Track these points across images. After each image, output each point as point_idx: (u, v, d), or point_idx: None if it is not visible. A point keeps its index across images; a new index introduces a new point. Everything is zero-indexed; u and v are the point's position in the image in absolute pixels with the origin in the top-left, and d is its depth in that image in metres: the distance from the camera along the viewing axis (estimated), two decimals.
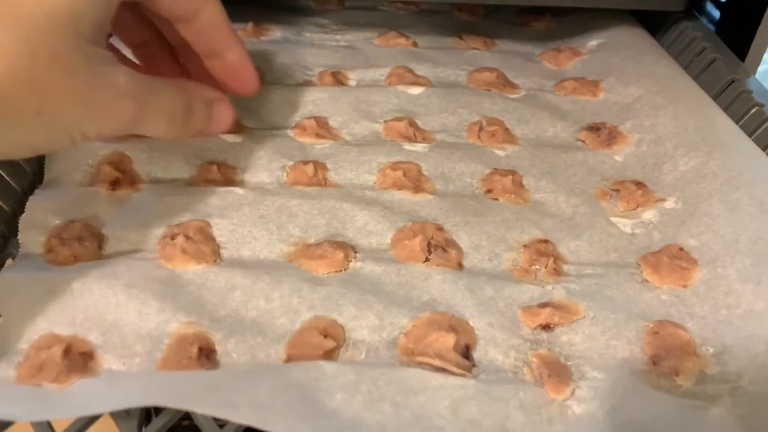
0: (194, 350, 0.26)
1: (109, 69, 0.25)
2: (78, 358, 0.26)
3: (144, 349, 0.26)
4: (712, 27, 0.50)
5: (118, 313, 0.27)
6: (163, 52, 0.34)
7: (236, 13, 0.50)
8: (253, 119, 0.39)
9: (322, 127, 0.38)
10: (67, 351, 0.25)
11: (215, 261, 0.30)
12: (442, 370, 0.26)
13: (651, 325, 0.29)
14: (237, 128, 0.38)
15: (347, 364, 0.25)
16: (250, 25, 0.48)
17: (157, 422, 0.25)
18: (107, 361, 0.26)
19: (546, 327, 0.28)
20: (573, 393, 0.26)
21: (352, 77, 0.44)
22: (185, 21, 0.30)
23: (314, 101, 0.40)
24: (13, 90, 0.22)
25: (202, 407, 0.22)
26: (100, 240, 0.31)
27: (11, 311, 0.27)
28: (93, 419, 0.25)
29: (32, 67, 0.22)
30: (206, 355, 0.26)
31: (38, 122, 0.24)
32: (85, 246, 0.30)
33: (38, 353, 0.25)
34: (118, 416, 0.25)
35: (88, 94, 0.24)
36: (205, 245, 0.30)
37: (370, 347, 0.27)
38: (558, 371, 0.26)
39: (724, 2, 0.50)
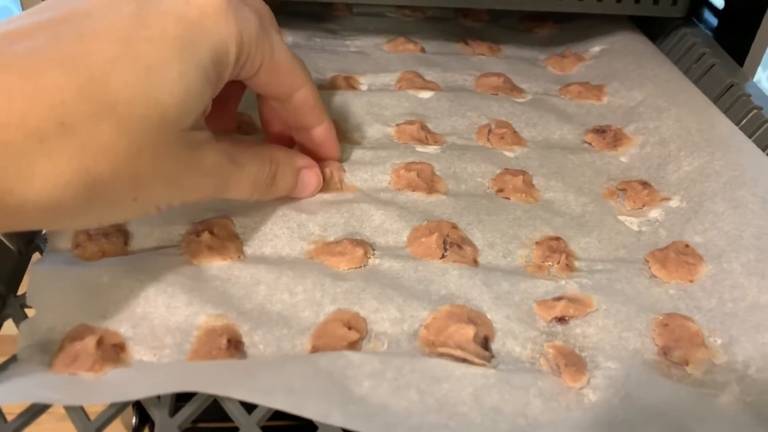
0: (223, 341, 0.27)
1: (202, 152, 0.26)
2: (110, 349, 0.26)
3: (173, 341, 0.27)
4: (710, 33, 0.51)
5: (147, 307, 0.28)
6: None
7: None
8: None
9: (337, 131, 0.39)
10: (100, 342, 0.26)
11: (239, 257, 0.31)
12: (463, 360, 0.27)
13: (661, 318, 0.30)
14: (254, 131, 0.39)
15: (372, 354, 0.26)
16: None
17: (187, 410, 0.26)
18: (138, 352, 0.27)
19: (561, 319, 0.29)
20: (588, 382, 0.27)
21: (363, 81, 0.45)
22: (280, 101, 0.31)
23: (327, 105, 0.41)
24: (116, 184, 0.23)
25: (237, 393, 0.23)
26: (125, 236, 0.32)
27: (43, 304, 0.28)
28: (122, 408, 0.26)
29: (137, 163, 0.23)
30: (235, 345, 0.27)
31: (133, 204, 0.25)
32: (111, 242, 0.31)
33: (72, 344, 0.26)
34: (151, 404, 0.25)
35: (183, 176, 0.26)
36: (229, 242, 0.31)
37: (391, 339, 0.28)
38: (574, 361, 0.27)
39: (722, 10, 0.51)
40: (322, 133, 0.34)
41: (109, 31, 0.23)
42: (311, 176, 0.34)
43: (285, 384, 0.23)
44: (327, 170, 0.35)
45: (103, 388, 0.24)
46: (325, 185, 0.36)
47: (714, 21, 0.52)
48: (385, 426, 0.23)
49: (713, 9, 0.53)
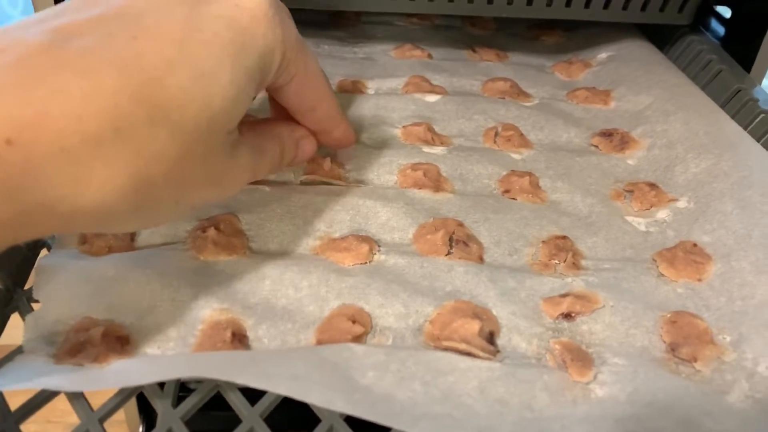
0: (228, 334, 0.27)
1: (239, 151, 0.27)
2: (115, 341, 0.26)
3: (178, 334, 0.27)
4: (717, 42, 0.51)
5: (152, 300, 0.28)
6: None
7: None
8: None
9: None
10: (105, 334, 0.26)
11: (245, 253, 0.31)
12: (468, 354, 0.27)
13: (669, 315, 0.29)
14: None
15: (377, 347, 0.26)
16: None
17: (190, 400, 0.25)
18: (143, 345, 0.27)
19: (567, 316, 0.29)
20: (595, 377, 0.27)
21: (371, 86, 0.45)
22: (302, 113, 0.31)
23: None
24: (165, 188, 0.23)
25: (241, 378, 0.23)
26: (132, 233, 0.32)
27: (49, 297, 0.28)
28: (126, 398, 0.26)
29: (185, 167, 0.23)
30: (239, 339, 0.27)
31: (175, 208, 0.25)
32: (118, 237, 0.31)
33: (77, 335, 0.26)
34: (154, 394, 0.25)
35: (222, 177, 0.26)
36: (235, 238, 0.31)
37: (396, 334, 0.28)
38: (580, 356, 0.27)
39: (729, 18, 0.52)
40: (341, 132, 0.34)
41: (162, 33, 0.22)
42: (308, 144, 0.33)
43: (289, 371, 0.23)
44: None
45: (108, 376, 0.24)
46: (325, 172, 0.36)
47: (721, 30, 0.52)
48: (389, 414, 0.23)
49: (720, 18, 0.53)
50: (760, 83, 0.47)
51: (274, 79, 0.28)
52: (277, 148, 0.31)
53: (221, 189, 0.27)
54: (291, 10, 0.28)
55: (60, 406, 0.27)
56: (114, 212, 0.22)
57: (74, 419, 0.25)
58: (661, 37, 0.53)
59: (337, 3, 0.47)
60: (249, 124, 0.30)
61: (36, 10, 0.43)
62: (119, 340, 0.27)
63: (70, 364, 0.25)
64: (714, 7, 0.53)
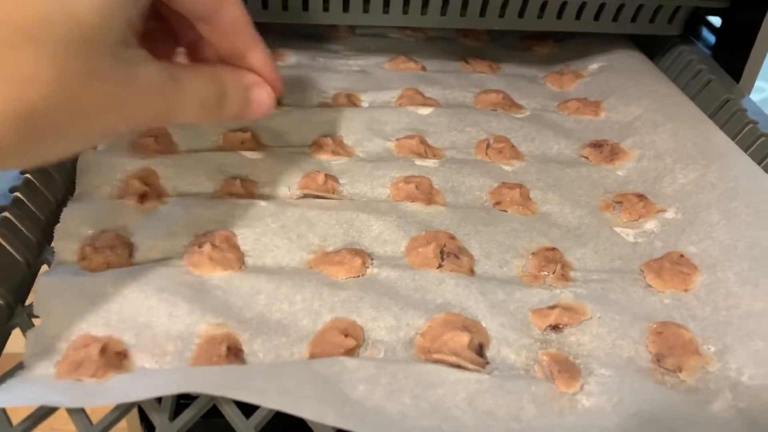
0: (223, 349, 0.27)
1: (140, 69, 0.25)
2: (113, 357, 0.27)
3: (175, 348, 0.28)
4: (707, 51, 0.52)
5: (149, 316, 0.29)
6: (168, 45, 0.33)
7: None
8: (273, 138, 0.41)
9: (338, 145, 0.40)
10: (104, 350, 0.27)
11: (240, 268, 0.32)
12: (458, 366, 0.27)
13: (655, 326, 0.30)
14: (257, 146, 0.40)
15: (368, 360, 0.27)
16: None
17: (187, 414, 0.26)
18: (140, 359, 0.28)
19: (555, 327, 0.30)
20: (582, 388, 0.27)
21: (365, 99, 0.46)
22: (206, 20, 0.29)
23: (330, 121, 0.42)
24: (52, 112, 0.22)
25: (234, 393, 0.23)
26: (130, 248, 0.32)
27: (49, 313, 0.29)
28: (125, 412, 0.27)
29: (69, 86, 0.22)
30: (234, 353, 0.28)
31: (74, 132, 0.24)
32: (116, 254, 0.32)
33: (76, 352, 0.27)
34: (151, 408, 0.26)
35: (120, 97, 0.24)
36: (230, 253, 0.32)
37: (388, 346, 0.29)
38: (567, 368, 0.28)
39: (719, 28, 0.52)
40: (259, 58, 0.31)
41: None
42: (262, 93, 0.31)
43: (281, 386, 0.24)
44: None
45: (106, 391, 0.25)
46: (318, 187, 0.37)
47: (712, 39, 0.53)
48: (379, 428, 0.23)
49: (711, 27, 0.54)
50: (749, 93, 0.47)
51: None
52: (213, 87, 0.29)
53: (123, 113, 0.25)
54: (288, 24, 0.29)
55: (64, 413, 0.27)
56: (3, 145, 0.22)
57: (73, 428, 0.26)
58: (652, 48, 0.53)
59: (334, 18, 0.47)
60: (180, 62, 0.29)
61: None
62: (117, 356, 0.27)
63: (70, 379, 0.26)
64: (705, 17, 0.54)
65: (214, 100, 0.29)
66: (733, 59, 0.48)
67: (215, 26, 0.29)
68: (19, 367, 0.27)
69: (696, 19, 0.53)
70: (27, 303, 0.31)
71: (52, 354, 0.27)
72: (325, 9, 0.47)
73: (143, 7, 0.25)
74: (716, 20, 0.53)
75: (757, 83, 1.20)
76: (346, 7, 0.47)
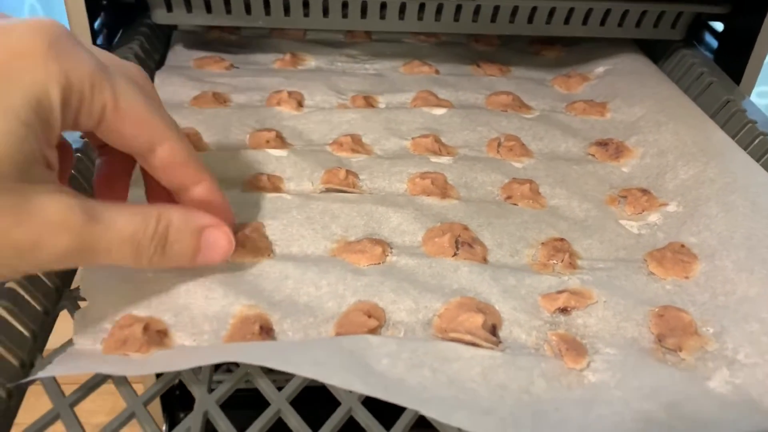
0: (256, 328, 0.30)
1: (42, 203, 0.23)
2: (155, 335, 0.29)
3: (211, 327, 0.30)
4: (710, 55, 0.54)
5: (187, 298, 0.31)
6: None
7: (274, 45, 0.55)
8: (295, 138, 0.44)
9: (357, 143, 0.43)
10: (146, 328, 0.29)
11: (269, 255, 0.34)
12: (473, 344, 0.29)
13: (657, 309, 0.32)
14: (281, 144, 0.42)
15: (390, 338, 0.29)
16: (288, 56, 0.53)
17: (224, 386, 0.28)
18: (180, 338, 0.30)
19: (563, 310, 0.32)
20: (588, 365, 0.29)
21: (382, 100, 0.49)
22: (142, 157, 0.28)
23: (349, 121, 0.45)
24: None
25: (270, 362, 0.26)
26: None
27: (95, 296, 0.31)
28: (166, 385, 0.29)
29: None
30: (266, 332, 0.30)
31: None
32: None
33: (121, 330, 0.29)
34: (191, 381, 0.28)
35: (13, 233, 0.23)
36: (260, 242, 0.34)
37: (407, 327, 0.31)
38: (575, 346, 0.30)
39: (721, 32, 0.54)
40: (202, 192, 0.30)
41: None
42: (218, 237, 0.29)
43: (312, 358, 0.26)
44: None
45: (151, 363, 0.28)
46: (340, 181, 0.39)
47: (714, 43, 0.55)
48: (402, 396, 0.26)
49: (713, 32, 0.56)
50: (750, 95, 0.49)
51: (74, 118, 0.25)
52: (150, 226, 0.27)
53: (24, 250, 0.23)
54: (307, 29, 0.30)
55: (85, 407, 0.29)
56: None
57: (100, 420, 0.28)
58: (656, 52, 0.55)
59: (352, 24, 0.50)
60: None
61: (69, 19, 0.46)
62: (158, 334, 0.30)
63: (116, 354, 0.28)
64: (708, 21, 0.56)
65: (150, 241, 0.27)
66: (734, 62, 0.51)
67: (153, 163, 0.28)
68: (68, 344, 0.29)
69: (699, 25, 0.56)
70: (72, 287, 0.33)
71: (99, 332, 0.30)
72: (344, 16, 0.50)
73: (52, 139, 0.24)
74: (719, 25, 0.55)
75: (764, 88, 1.22)
76: (363, 14, 0.49)
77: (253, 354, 0.26)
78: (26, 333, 0.29)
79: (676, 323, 0.31)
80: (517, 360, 0.29)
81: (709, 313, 0.32)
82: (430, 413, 0.25)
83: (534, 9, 0.49)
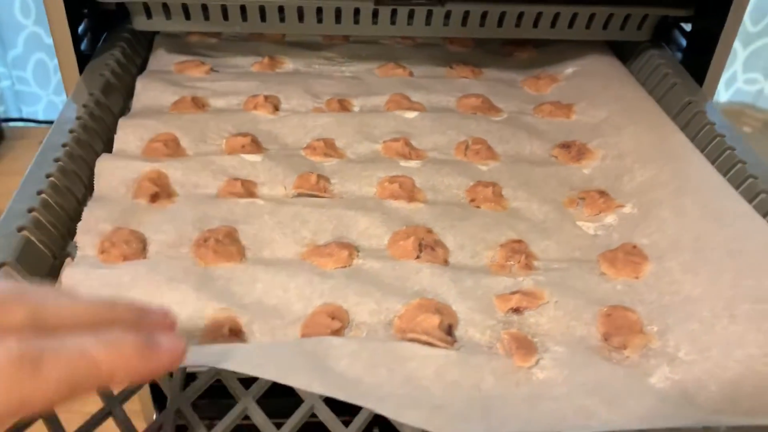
0: (226, 331, 0.32)
1: None
2: None
3: (184, 330, 0.32)
4: (680, 54, 0.56)
5: (161, 302, 0.33)
6: None
7: (253, 48, 0.56)
8: (270, 142, 0.45)
9: (330, 148, 0.45)
10: None
11: (241, 260, 0.36)
12: (429, 344, 0.31)
13: (605, 309, 0.34)
14: (256, 149, 0.44)
15: (350, 339, 0.31)
16: (266, 59, 0.55)
17: (195, 385, 0.30)
18: None
19: (516, 310, 0.34)
20: (537, 363, 0.31)
21: (356, 104, 0.50)
22: None
23: (323, 125, 0.47)
24: None
25: (236, 366, 0.28)
26: (143, 243, 0.37)
27: None
28: (140, 386, 0.31)
29: None
30: (236, 334, 0.32)
31: None
32: (131, 247, 0.36)
33: None
34: (163, 380, 0.30)
35: None
36: (232, 246, 0.36)
37: (370, 327, 0.33)
38: (525, 345, 0.32)
39: (689, 32, 0.56)
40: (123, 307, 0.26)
41: None
42: (168, 340, 0.24)
43: (274, 360, 0.28)
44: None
45: None
46: (311, 186, 0.40)
47: (684, 42, 0.57)
48: (359, 395, 0.28)
49: (684, 31, 0.57)
50: (712, 97, 0.51)
51: None
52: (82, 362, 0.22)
53: None
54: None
55: None
56: None
57: (91, 408, 0.30)
58: (625, 51, 0.57)
59: (327, 28, 0.51)
60: None
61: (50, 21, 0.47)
62: None
63: None
64: (678, 22, 0.57)
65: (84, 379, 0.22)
66: (699, 63, 0.52)
67: None
68: None
69: (669, 24, 0.57)
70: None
71: None
72: (319, 21, 0.51)
73: None
74: (688, 25, 0.56)
75: (751, 75, 1.23)
76: (338, 19, 0.51)
77: (221, 358, 0.28)
78: None
79: (623, 322, 0.33)
80: (469, 358, 0.31)
81: (655, 312, 0.34)
82: (384, 411, 0.27)
83: (503, 13, 0.51)
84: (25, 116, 1.15)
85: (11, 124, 1.14)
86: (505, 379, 0.30)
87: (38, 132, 1.10)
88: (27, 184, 0.37)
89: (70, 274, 0.34)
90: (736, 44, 1.12)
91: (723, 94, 1.20)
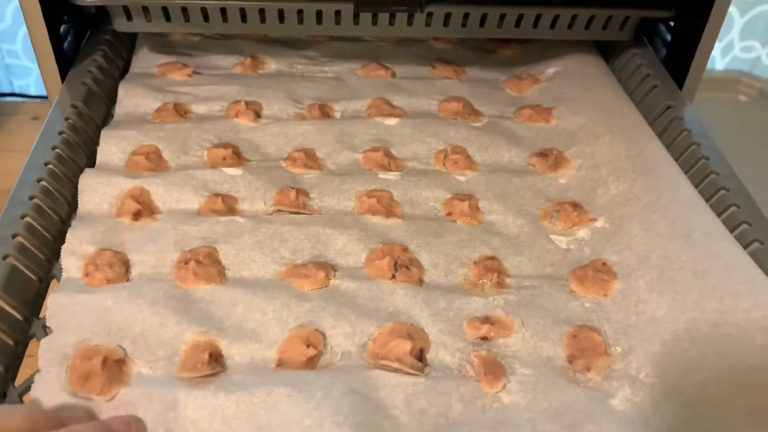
0: (206, 356, 0.33)
1: None
2: (114, 366, 0.32)
3: (165, 354, 0.33)
4: (664, 50, 0.55)
5: (144, 326, 0.34)
6: None
7: (235, 47, 0.56)
8: (252, 152, 0.46)
9: (310, 158, 0.45)
10: (105, 362, 0.32)
11: (221, 281, 0.37)
12: (399, 371, 0.33)
13: (572, 330, 0.35)
14: (237, 161, 0.45)
15: (325, 371, 0.32)
16: (248, 60, 0.55)
17: None
18: (136, 365, 0.33)
19: (484, 339, 0.35)
20: (504, 387, 0.33)
21: (338, 108, 0.51)
22: None
23: (303, 134, 0.47)
24: None
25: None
26: (126, 265, 0.38)
27: (59, 324, 0.34)
28: None
29: None
30: (215, 359, 0.33)
31: None
32: (114, 270, 0.37)
33: (82, 364, 0.32)
34: None
35: None
36: (212, 268, 0.37)
37: (344, 351, 0.34)
38: (494, 369, 0.33)
39: (672, 31, 0.56)
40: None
41: None
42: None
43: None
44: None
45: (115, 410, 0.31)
46: (290, 202, 0.41)
47: (669, 37, 0.56)
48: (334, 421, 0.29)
49: (669, 28, 0.57)
50: (692, 100, 0.51)
51: None
52: None
53: None
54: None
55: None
56: None
57: None
58: (608, 49, 0.57)
59: (308, 29, 0.51)
60: None
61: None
62: (117, 364, 0.33)
63: (81, 394, 0.31)
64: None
65: None
66: (680, 64, 0.52)
67: None
68: (36, 372, 0.33)
69: (653, 23, 0.57)
70: (41, 315, 0.36)
71: (62, 360, 0.33)
72: (300, 22, 0.51)
73: None
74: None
75: (748, 43, 1.21)
76: (319, 20, 0.51)
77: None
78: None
79: (588, 343, 0.35)
80: (438, 385, 0.32)
81: (621, 332, 0.35)
82: None
83: (485, 14, 0.50)
84: (16, 90, 1.15)
85: (3, 99, 1.14)
86: (473, 404, 0.32)
87: (31, 107, 1.09)
88: (10, 208, 0.38)
89: (55, 299, 0.35)
90: (734, 11, 1.11)
91: (719, 62, 1.19)
